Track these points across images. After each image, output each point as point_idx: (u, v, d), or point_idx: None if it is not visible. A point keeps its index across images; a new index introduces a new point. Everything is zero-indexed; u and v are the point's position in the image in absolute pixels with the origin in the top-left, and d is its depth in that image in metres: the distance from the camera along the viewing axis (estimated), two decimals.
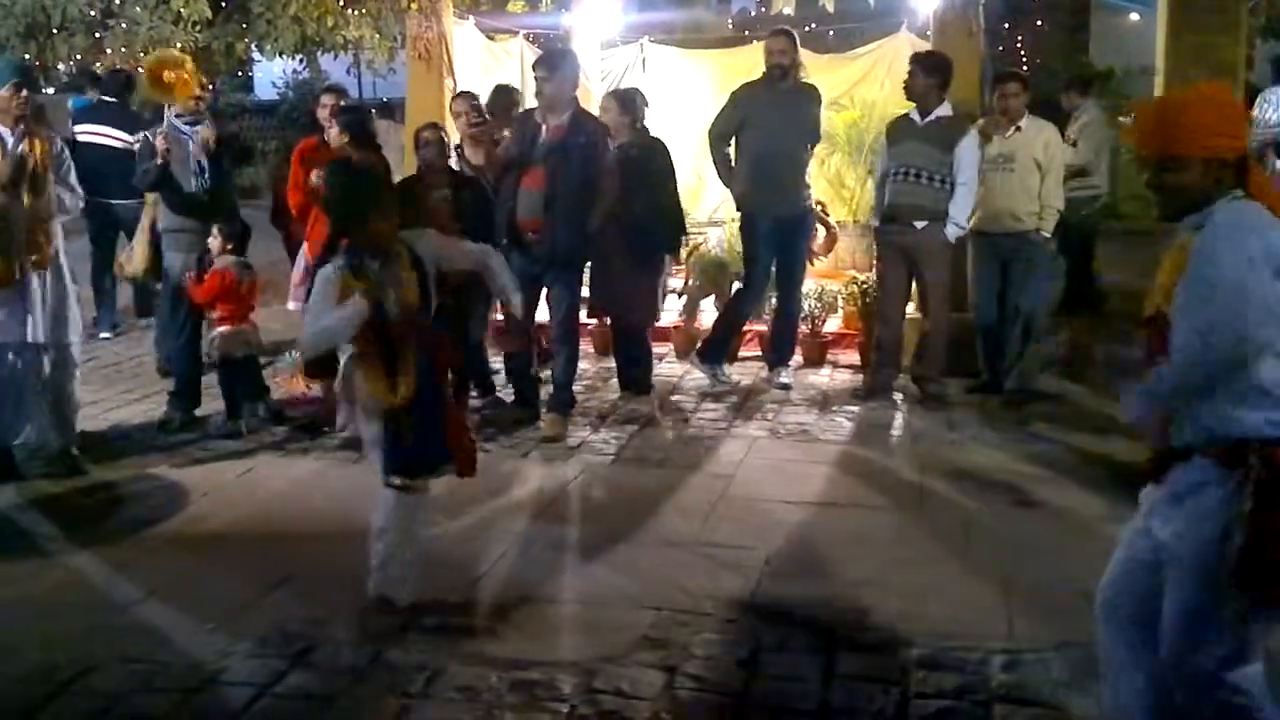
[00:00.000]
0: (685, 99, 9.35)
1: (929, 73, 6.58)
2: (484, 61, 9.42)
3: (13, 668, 3.73)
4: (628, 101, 6.86)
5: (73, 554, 4.73)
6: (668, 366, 7.71)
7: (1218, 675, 2.68)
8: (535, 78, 6.19)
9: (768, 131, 6.86)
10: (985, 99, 7.62)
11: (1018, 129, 6.63)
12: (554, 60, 6.30)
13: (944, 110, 6.57)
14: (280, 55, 15.46)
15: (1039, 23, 11.57)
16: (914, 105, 6.68)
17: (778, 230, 6.93)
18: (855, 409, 6.69)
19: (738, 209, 7.22)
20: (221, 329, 6.14)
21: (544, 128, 6.15)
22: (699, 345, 7.35)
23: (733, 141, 7.03)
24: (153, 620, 4.11)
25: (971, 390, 6.90)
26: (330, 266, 4.00)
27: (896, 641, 3.90)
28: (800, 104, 7.00)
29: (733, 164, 7.02)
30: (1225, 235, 2.62)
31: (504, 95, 7.57)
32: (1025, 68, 8.68)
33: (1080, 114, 8.61)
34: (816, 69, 9.69)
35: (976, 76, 7.65)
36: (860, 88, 9.36)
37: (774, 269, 7.13)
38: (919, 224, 6.51)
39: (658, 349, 7.44)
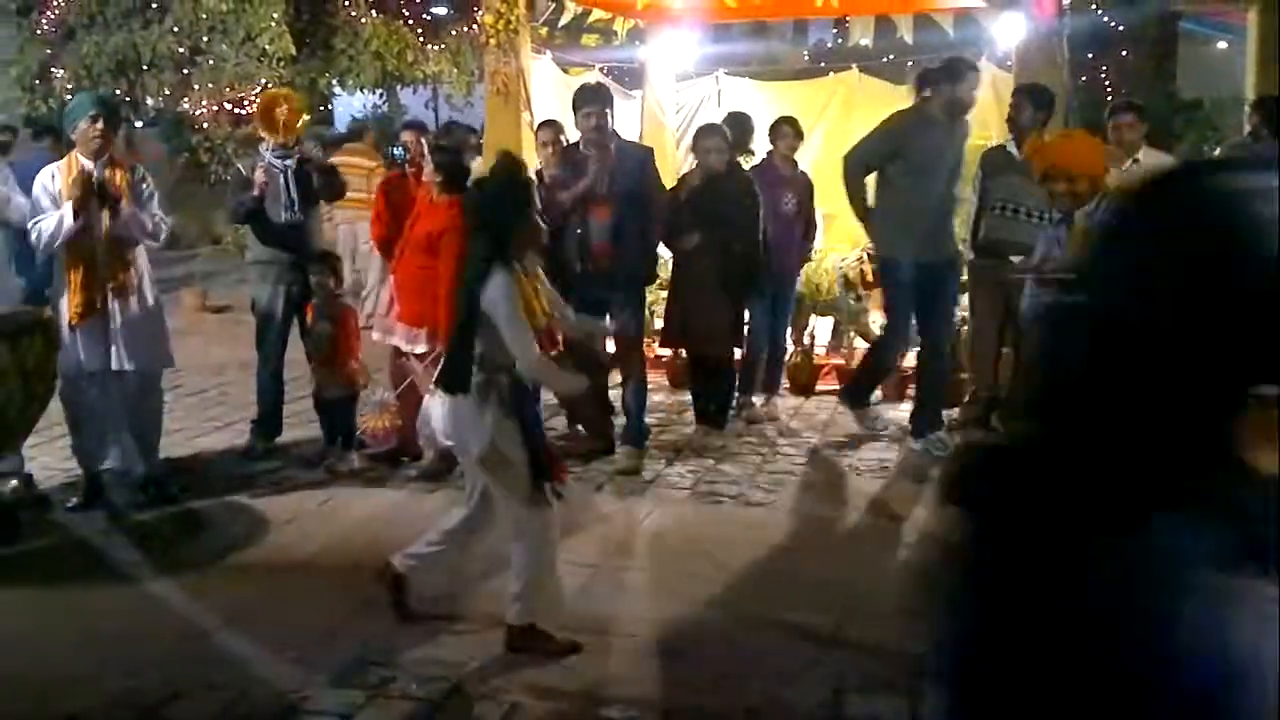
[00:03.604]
0: (760, 132, 9.33)
1: (1039, 105, 6.40)
2: (560, 95, 9.49)
3: (100, 694, 3.79)
4: (726, 130, 6.85)
5: (157, 580, 4.81)
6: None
7: None
8: (582, 113, 6.20)
9: (924, 167, 6.29)
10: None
11: (1135, 161, 6.32)
12: (597, 94, 6.35)
13: None
14: (361, 90, 15.80)
15: (1124, 53, 11.38)
16: (1010, 137, 6.55)
17: (926, 276, 6.38)
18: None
19: (876, 250, 6.85)
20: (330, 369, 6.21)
21: (590, 160, 6.17)
22: (845, 386, 7.14)
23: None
24: (235, 648, 4.15)
25: None
26: (506, 276, 3.93)
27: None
28: (959, 140, 6.51)
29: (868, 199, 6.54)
30: None
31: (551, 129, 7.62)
32: (1109, 99, 8.52)
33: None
34: (894, 100, 9.63)
35: (1061, 109, 7.52)
36: None
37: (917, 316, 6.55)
38: (1017, 260, 6.33)
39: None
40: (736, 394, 7.08)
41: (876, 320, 7.91)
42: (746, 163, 7.06)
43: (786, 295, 7.32)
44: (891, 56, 10.50)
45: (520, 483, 4.01)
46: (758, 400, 7.17)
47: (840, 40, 11.90)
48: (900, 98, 9.74)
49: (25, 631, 4.29)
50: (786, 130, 7.16)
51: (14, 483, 5.54)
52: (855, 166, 6.41)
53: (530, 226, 4.08)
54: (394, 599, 4.33)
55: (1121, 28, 11.10)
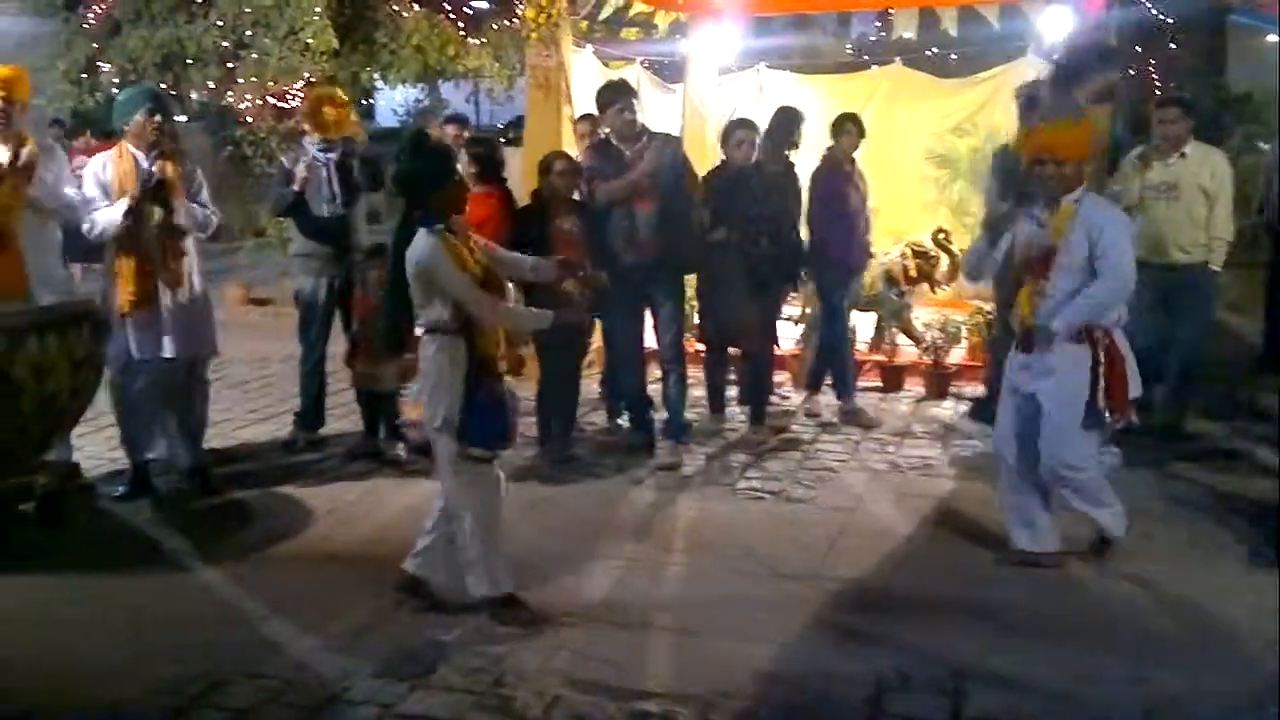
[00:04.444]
0: (808, 127, 9.25)
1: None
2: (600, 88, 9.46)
3: (145, 680, 3.82)
4: (754, 123, 6.82)
5: (202, 569, 4.85)
6: (783, 395, 7.61)
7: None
8: (614, 109, 6.20)
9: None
10: (1117, 126, 7.39)
11: (1181, 155, 6.28)
12: (622, 89, 6.40)
13: None
14: (403, 84, 15.85)
15: (1172, 45, 11.22)
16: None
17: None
18: (979, 443, 6.51)
19: None
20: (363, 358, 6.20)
21: (625, 153, 6.18)
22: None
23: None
24: (278, 637, 4.18)
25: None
26: (430, 237, 4.14)
27: (1028, 684, 3.77)
28: None
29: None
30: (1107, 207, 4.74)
31: (589, 121, 7.64)
32: (1158, 92, 8.40)
33: None
34: (938, 94, 9.57)
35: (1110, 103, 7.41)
36: (983, 113, 9.19)
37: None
38: None
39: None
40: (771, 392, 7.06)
41: (920, 317, 7.85)
42: (793, 158, 7.00)
43: (853, 293, 7.22)
44: (935, 50, 10.39)
45: (454, 450, 4.19)
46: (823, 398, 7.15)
47: (883, 33, 11.77)
48: (944, 91, 9.68)
49: (72, 619, 4.34)
50: (849, 127, 7.06)
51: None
52: None
53: (450, 190, 4.26)
54: (421, 601, 4.36)
55: (1170, 20, 10.94)
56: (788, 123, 6.95)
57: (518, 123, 11.12)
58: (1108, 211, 4.65)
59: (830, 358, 7.18)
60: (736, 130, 6.70)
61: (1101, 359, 4.52)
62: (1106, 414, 4.56)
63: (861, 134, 7.10)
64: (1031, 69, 8.49)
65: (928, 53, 10.31)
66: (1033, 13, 8.69)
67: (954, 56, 10.45)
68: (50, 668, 3.95)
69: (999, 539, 5.01)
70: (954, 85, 9.92)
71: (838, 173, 7.02)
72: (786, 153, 6.82)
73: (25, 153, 5.41)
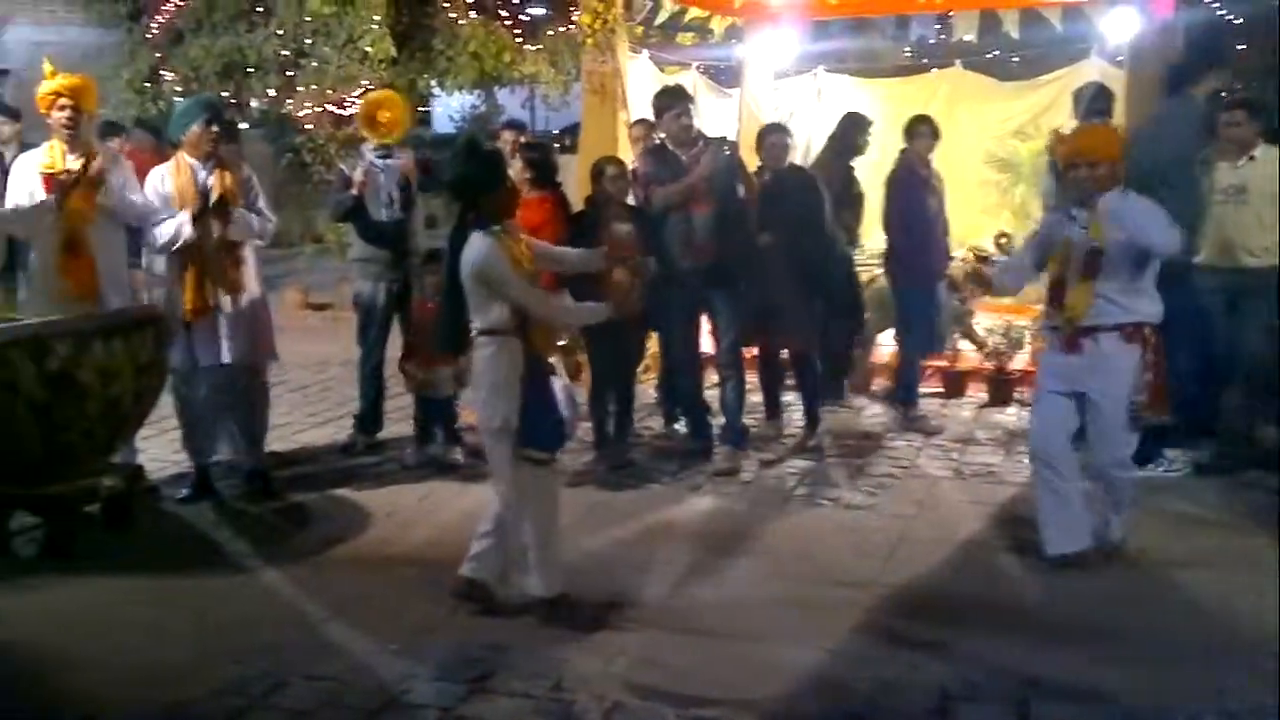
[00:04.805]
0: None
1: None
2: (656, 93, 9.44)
3: (209, 680, 3.85)
4: (789, 128, 6.85)
5: (263, 571, 4.89)
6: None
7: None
8: (670, 114, 6.20)
9: None
10: None
11: (1250, 158, 6.13)
12: (680, 94, 6.39)
13: None
14: (459, 90, 15.96)
15: (1243, 45, 10.99)
16: None
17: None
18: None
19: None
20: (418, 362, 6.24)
21: (681, 158, 6.16)
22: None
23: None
24: (338, 639, 4.20)
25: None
26: (484, 239, 4.16)
27: (1098, 696, 3.70)
28: None
29: None
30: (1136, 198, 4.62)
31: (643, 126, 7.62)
32: (1226, 94, 8.21)
33: None
34: (1000, 96, 9.46)
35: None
36: (1046, 115, 9.05)
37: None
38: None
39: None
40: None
41: (982, 322, 7.74)
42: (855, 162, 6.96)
43: (935, 300, 7.08)
44: (996, 52, 10.27)
45: (511, 452, 4.21)
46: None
47: (943, 36, 11.66)
48: (1006, 94, 9.56)
49: (136, 619, 4.39)
50: (924, 129, 6.96)
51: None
52: None
53: (501, 193, 4.30)
54: (479, 605, 4.36)
55: (1239, 21, 10.71)
56: (854, 128, 6.89)
57: (573, 129, 11.15)
58: (1141, 201, 4.69)
59: (904, 364, 7.11)
60: (770, 134, 6.73)
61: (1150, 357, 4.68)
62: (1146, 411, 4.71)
63: (936, 136, 7.00)
64: (1094, 71, 8.36)
65: (988, 55, 10.20)
66: (1096, 14, 8.56)
67: (1015, 59, 10.30)
68: (115, 668, 3.99)
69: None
70: (1016, 88, 9.79)
71: (914, 176, 6.93)
72: (851, 160, 6.77)
73: (97, 161, 5.51)
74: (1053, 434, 4.80)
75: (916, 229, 6.82)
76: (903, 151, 7.04)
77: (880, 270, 7.56)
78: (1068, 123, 8.55)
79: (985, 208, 9.43)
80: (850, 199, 7.24)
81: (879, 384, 7.74)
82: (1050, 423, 4.82)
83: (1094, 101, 6.48)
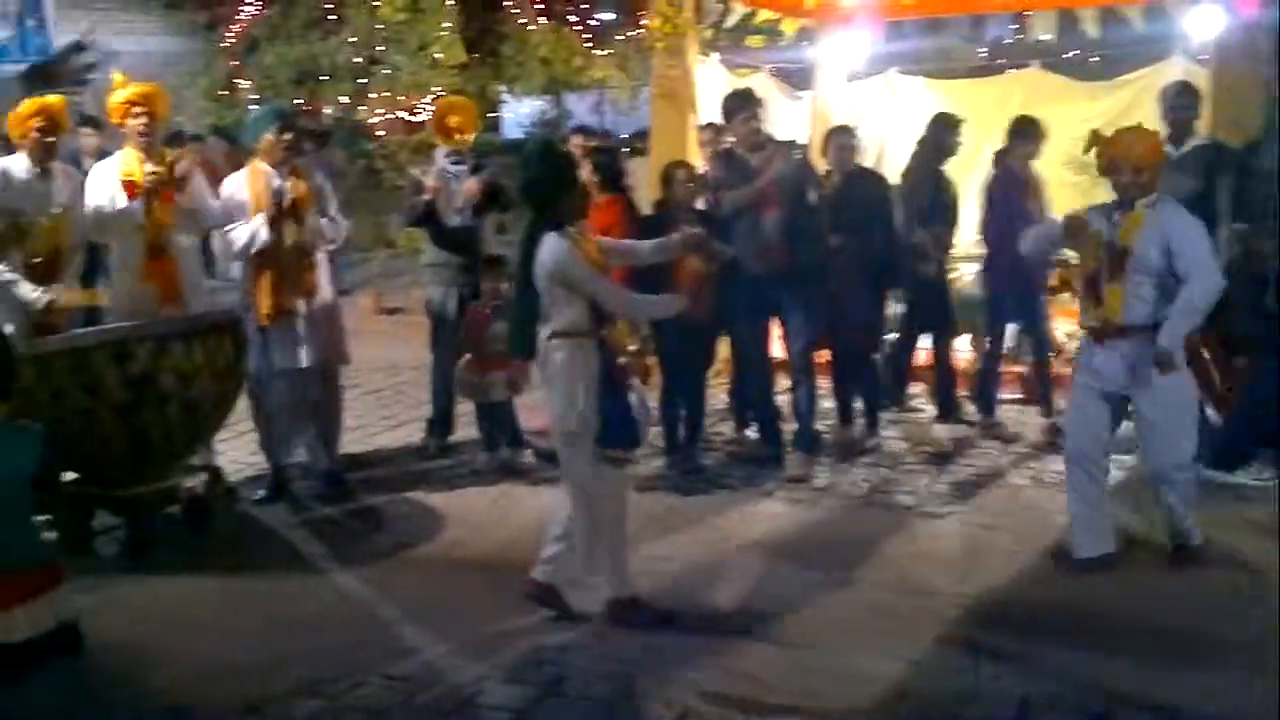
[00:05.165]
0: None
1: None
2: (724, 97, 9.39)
3: (284, 679, 3.89)
4: (856, 130, 6.81)
5: (337, 572, 4.94)
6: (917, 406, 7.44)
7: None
8: (739, 118, 6.16)
9: None
10: None
11: None
12: (749, 98, 6.33)
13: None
14: (529, 96, 16.06)
15: None
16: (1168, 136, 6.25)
17: None
18: (1125, 458, 6.24)
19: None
20: (472, 368, 6.24)
21: (750, 162, 6.13)
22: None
23: None
24: (412, 640, 4.22)
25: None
26: (557, 240, 4.18)
27: (1180, 710, 3.60)
28: None
29: None
30: (1182, 212, 4.72)
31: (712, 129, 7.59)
32: None
33: None
34: (1078, 98, 9.26)
35: (1260, 105, 7.06)
36: (1126, 117, 8.83)
37: None
38: None
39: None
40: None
41: (1060, 328, 7.58)
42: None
43: (1039, 308, 6.95)
44: (1076, 52, 10.07)
45: (586, 453, 4.20)
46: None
47: (1020, 36, 11.47)
48: (1085, 95, 9.33)
49: (214, 620, 4.46)
50: (1029, 131, 6.80)
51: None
52: None
53: (573, 195, 4.34)
54: (551, 608, 4.36)
55: None
56: (944, 129, 6.80)
57: (640, 135, 11.15)
58: (1183, 217, 4.71)
59: (984, 372, 7.01)
60: (836, 136, 6.70)
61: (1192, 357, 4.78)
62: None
63: (1042, 138, 6.82)
64: (1177, 70, 8.16)
65: (1067, 55, 10.00)
66: (1178, 12, 8.35)
67: (1095, 59, 10.09)
68: (194, 666, 4.05)
69: (1147, 556, 4.86)
70: (1095, 89, 9.56)
71: (1014, 181, 6.79)
72: (943, 163, 6.67)
73: (180, 167, 5.61)
74: (1090, 434, 4.83)
75: (1013, 239, 6.60)
76: (1000, 153, 6.91)
77: (956, 273, 7.45)
78: (1150, 123, 8.40)
79: (1064, 211, 9.21)
80: (943, 205, 6.93)
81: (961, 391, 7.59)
82: (1087, 423, 4.84)
83: (1179, 98, 6.31)
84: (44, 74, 7.15)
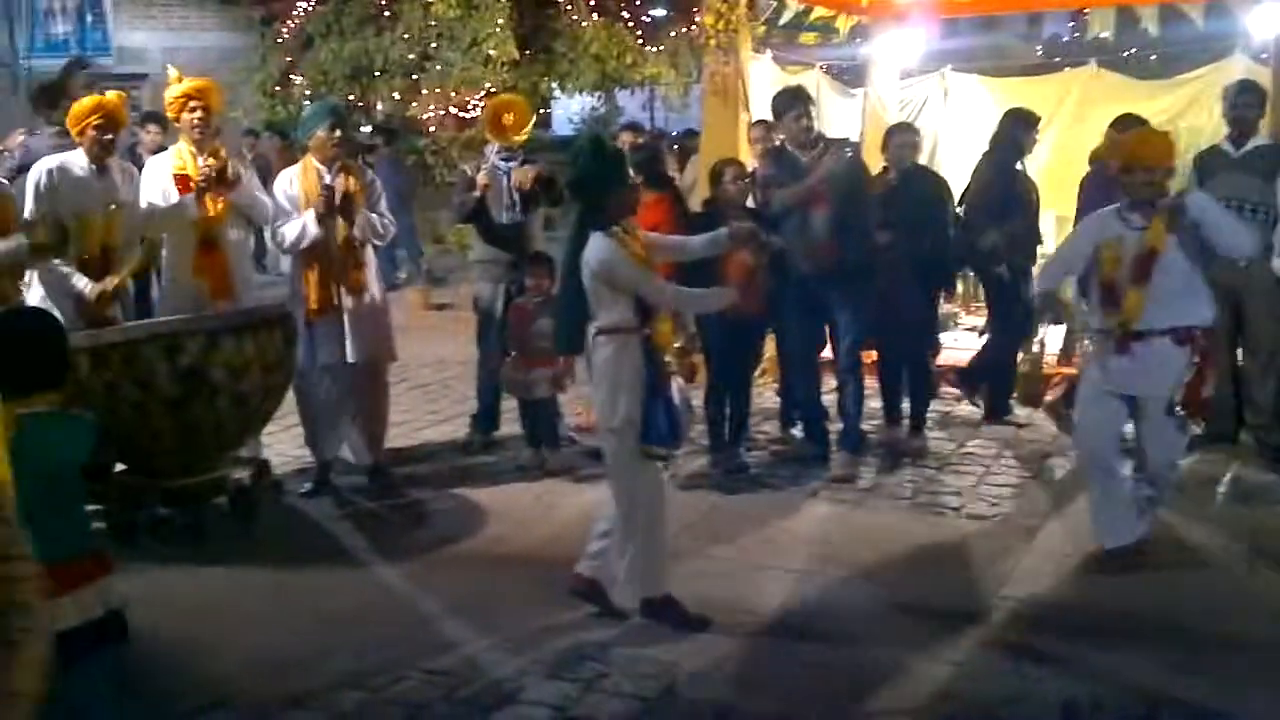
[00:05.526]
0: (986, 131, 8.98)
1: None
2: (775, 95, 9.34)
3: (328, 672, 3.92)
4: (918, 128, 6.72)
5: (381, 566, 4.96)
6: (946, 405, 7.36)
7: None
8: (790, 115, 6.11)
9: None
10: None
11: None
12: (799, 96, 6.31)
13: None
14: (580, 92, 16.08)
15: None
16: (1228, 134, 6.15)
17: None
18: (1180, 461, 6.13)
19: None
20: (517, 365, 6.23)
21: (800, 159, 6.08)
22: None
23: None
24: (454, 635, 4.23)
25: None
26: (604, 238, 4.19)
27: (1224, 713, 3.54)
28: None
29: None
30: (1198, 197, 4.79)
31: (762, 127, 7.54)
32: None
33: None
34: (1137, 96, 9.10)
35: None
36: (1185, 116, 8.69)
37: None
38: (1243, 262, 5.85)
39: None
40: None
41: None
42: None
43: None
44: (1134, 50, 9.91)
45: (631, 449, 4.19)
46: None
47: (1077, 33, 11.30)
48: (1144, 94, 9.18)
49: (260, 612, 4.50)
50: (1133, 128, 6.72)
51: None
52: None
53: (624, 192, 4.35)
54: (595, 605, 4.36)
55: None
56: (1019, 126, 6.71)
57: (689, 134, 11.12)
58: (1204, 199, 4.79)
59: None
60: (897, 134, 6.65)
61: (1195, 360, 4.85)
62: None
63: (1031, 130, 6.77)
64: (1239, 69, 8.01)
65: (1126, 54, 9.85)
66: (1240, 10, 8.19)
67: (1154, 56, 9.93)
68: (239, 657, 4.09)
69: (1194, 557, 4.83)
70: (1154, 87, 9.42)
71: (1112, 180, 6.68)
72: (1018, 161, 6.60)
73: (234, 162, 5.66)
74: (1103, 434, 4.81)
75: None
76: (1094, 152, 6.80)
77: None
78: (1211, 122, 8.26)
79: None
80: (1021, 204, 6.74)
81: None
82: (1100, 423, 4.81)
83: (1242, 96, 6.18)
84: (48, 93, 7.30)
